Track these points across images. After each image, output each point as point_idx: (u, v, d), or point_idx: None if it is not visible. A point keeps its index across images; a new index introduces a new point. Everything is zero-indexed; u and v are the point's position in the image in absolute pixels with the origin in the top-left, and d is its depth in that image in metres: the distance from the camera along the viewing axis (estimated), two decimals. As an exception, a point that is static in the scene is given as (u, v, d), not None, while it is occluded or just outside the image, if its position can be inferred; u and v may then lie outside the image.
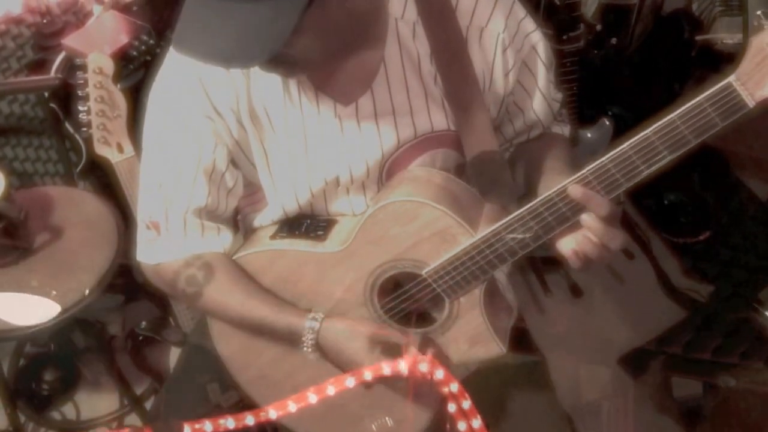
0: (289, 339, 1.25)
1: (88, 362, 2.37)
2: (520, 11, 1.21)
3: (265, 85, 1.16)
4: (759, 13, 0.96)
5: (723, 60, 2.73)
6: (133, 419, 2.22)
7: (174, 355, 2.14)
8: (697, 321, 2.45)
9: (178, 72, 1.17)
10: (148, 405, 2.24)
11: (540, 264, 2.53)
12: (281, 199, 1.27)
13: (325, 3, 0.97)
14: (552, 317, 2.51)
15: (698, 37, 2.36)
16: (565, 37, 1.95)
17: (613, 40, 2.57)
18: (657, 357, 2.33)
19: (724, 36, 2.42)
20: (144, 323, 2.16)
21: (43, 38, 2.19)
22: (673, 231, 2.69)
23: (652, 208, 2.67)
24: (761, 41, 0.95)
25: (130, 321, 2.40)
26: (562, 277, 2.59)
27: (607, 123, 2.38)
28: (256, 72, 1.14)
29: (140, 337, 2.25)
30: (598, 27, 2.07)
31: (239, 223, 1.42)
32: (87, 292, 1.80)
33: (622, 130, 2.40)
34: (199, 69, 1.13)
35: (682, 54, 2.80)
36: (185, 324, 1.96)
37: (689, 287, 2.58)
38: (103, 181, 2.22)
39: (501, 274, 1.43)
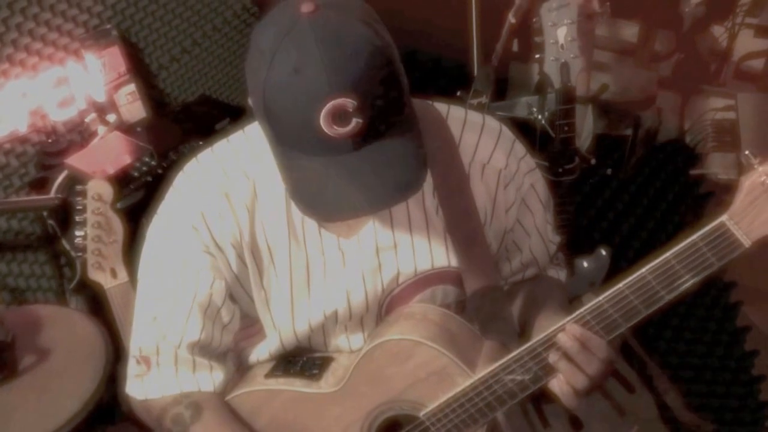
0: None
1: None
2: (521, 150, 1.23)
3: (269, 223, 1.16)
4: (747, 152, 0.97)
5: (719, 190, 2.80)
6: None
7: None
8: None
9: (180, 205, 1.17)
10: None
11: (538, 395, 2.46)
12: (279, 332, 1.24)
13: None
14: (551, 451, 2.42)
15: (692, 172, 2.41)
16: (560, 170, 1.98)
17: (609, 171, 2.62)
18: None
19: (718, 172, 2.49)
20: (126, 453, 2.07)
21: (47, 157, 2.23)
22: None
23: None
24: (752, 180, 0.95)
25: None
26: (561, 408, 2.51)
27: (604, 253, 2.38)
28: (261, 210, 1.15)
29: (121, 467, 2.14)
30: (593, 161, 2.10)
31: (234, 357, 1.38)
32: (70, 418, 1.74)
33: (620, 260, 2.40)
34: (202, 204, 1.13)
35: (675, 182, 2.86)
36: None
37: (692, 422, 2.50)
38: (96, 298, 2.20)
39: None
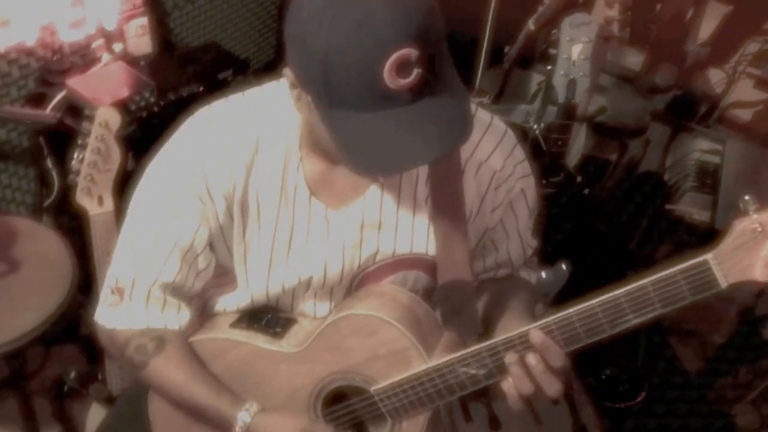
0: (222, 426, 1.24)
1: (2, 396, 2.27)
2: (520, 155, 1.26)
3: (264, 183, 1.19)
4: (747, 198, 0.96)
5: (683, 227, 2.88)
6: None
7: (94, 410, 2.04)
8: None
9: (183, 149, 1.19)
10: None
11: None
12: (251, 288, 1.28)
13: None
14: (467, 446, 2.50)
15: (668, 206, 2.48)
16: (544, 182, 2.03)
17: (586, 191, 2.68)
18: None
19: (693, 211, 2.57)
20: (74, 374, 2.07)
21: (49, 74, 2.22)
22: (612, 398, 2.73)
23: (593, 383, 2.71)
24: (743, 226, 0.95)
25: (55, 364, 2.32)
26: (483, 406, 2.58)
27: (564, 268, 2.43)
28: (258, 169, 1.17)
29: (65, 387, 2.15)
30: (579, 179, 2.15)
31: (198, 301, 1.41)
32: (28, 331, 1.77)
33: (578, 277, 2.46)
34: (205, 152, 1.16)
35: (646, 213, 2.93)
36: (113, 383, 1.90)
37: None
38: (67, 220, 2.21)
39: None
